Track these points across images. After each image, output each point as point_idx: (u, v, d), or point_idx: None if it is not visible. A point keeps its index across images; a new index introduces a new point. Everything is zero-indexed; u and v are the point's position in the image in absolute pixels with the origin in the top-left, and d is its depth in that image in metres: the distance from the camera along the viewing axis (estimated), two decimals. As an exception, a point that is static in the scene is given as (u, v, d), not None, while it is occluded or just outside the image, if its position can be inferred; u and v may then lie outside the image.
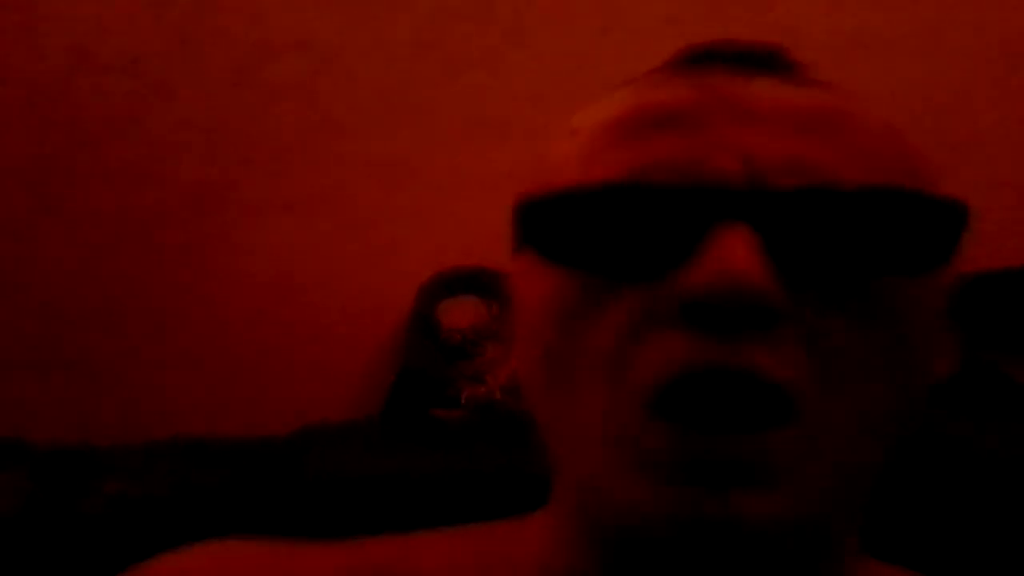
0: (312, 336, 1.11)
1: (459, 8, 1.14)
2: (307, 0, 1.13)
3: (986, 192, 1.07)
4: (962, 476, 0.66)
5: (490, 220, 1.20)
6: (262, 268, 1.13)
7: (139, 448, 0.86)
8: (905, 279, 0.37)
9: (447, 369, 0.96)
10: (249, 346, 1.12)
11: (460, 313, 1.03)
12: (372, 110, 1.14)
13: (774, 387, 0.34)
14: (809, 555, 0.38)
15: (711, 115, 0.39)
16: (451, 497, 0.75)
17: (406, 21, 1.14)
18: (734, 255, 0.34)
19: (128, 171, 1.13)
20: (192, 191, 1.13)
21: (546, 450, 0.42)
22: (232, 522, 0.76)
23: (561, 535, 0.43)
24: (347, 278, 1.13)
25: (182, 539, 0.77)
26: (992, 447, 0.69)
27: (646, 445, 0.35)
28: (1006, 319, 0.98)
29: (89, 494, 0.79)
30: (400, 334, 1.07)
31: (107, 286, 1.12)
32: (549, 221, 0.39)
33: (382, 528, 0.52)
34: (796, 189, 0.36)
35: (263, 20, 1.13)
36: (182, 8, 1.13)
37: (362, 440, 0.85)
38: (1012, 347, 0.95)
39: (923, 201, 0.37)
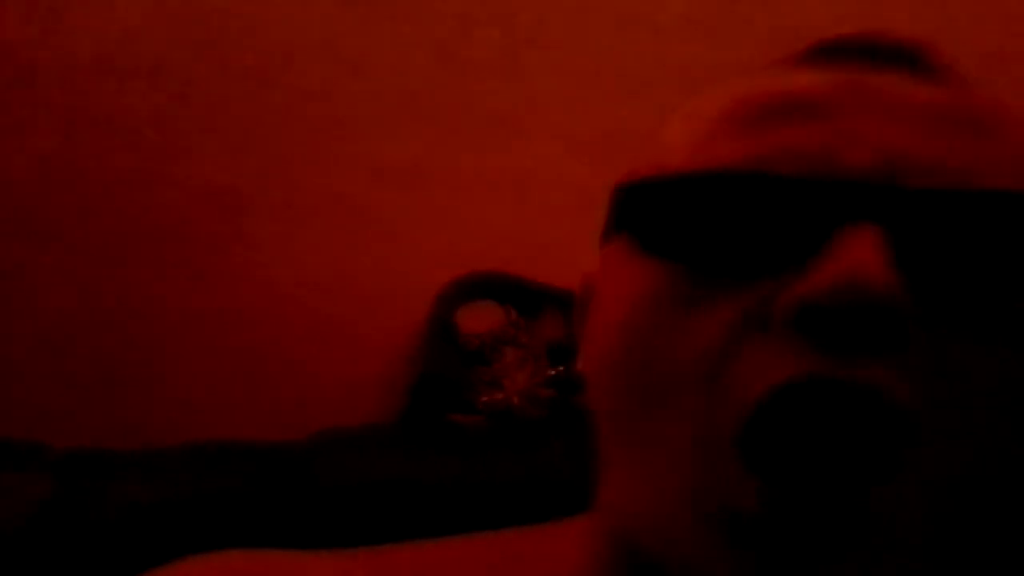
0: (330, 341, 1.11)
1: (480, 13, 1.13)
2: (329, 4, 1.13)
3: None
4: None
5: (509, 224, 1.21)
6: (280, 273, 1.13)
7: (155, 453, 0.86)
8: None
9: (465, 374, 0.96)
10: (266, 351, 1.11)
11: (478, 318, 1.03)
12: (392, 114, 1.14)
13: (902, 413, 0.30)
14: None
15: (845, 105, 0.35)
16: (467, 504, 0.74)
17: (427, 25, 1.13)
18: (866, 258, 0.30)
19: (147, 176, 1.13)
20: (211, 196, 1.13)
21: (598, 463, 0.38)
22: (248, 528, 0.76)
23: (597, 563, 0.39)
24: (365, 283, 1.12)
25: (198, 545, 0.76)
26: None
27: (731, 500, 0.30)
28: None
29: (106, 498, 0.79)
30: (418, 339, 1.07)
31: (124, 291, 1.12)
32: (652, 206, 0.36)
33: (398, 535, 0.51)
34: (937, 190, 0.32)
35: (284, 24, 1.13)
36: (204, 13, 1.13)
37: (379, 446, 0.84)
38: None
39: None
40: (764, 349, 0.31)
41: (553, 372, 0.95)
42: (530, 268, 1.07)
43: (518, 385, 0.93)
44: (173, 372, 1.11)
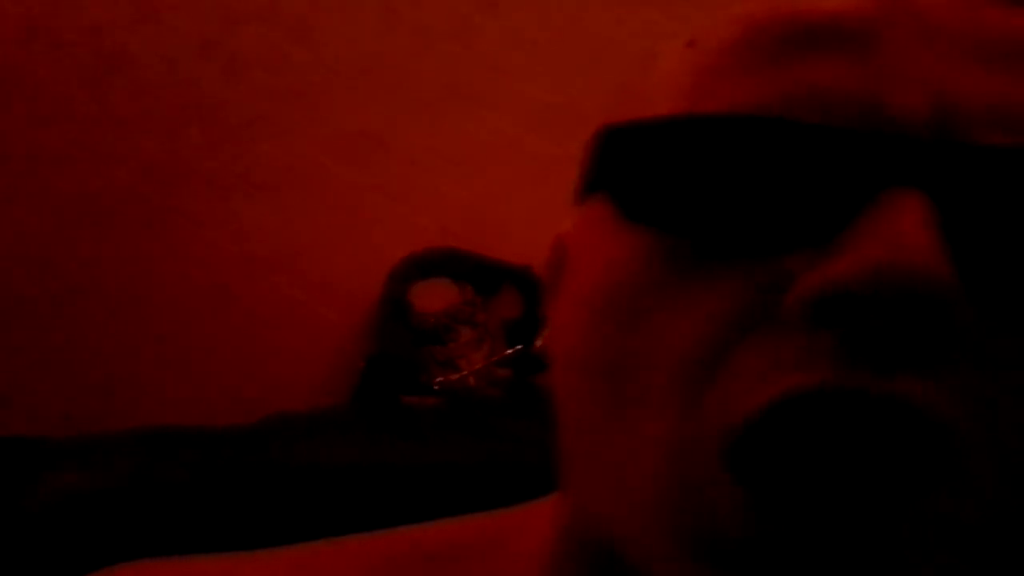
0: (279, 319, 1.09)
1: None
2: (273, -33, 1.10)
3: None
4: None
5: (464, 199, 1.19)
6: (227, 248, 1.10)
7: (95, 439, 0.83)
8: None
9: (419, 354, 0.94)
10: (213, 330, 1.09)
11: (433, 296, 1.01)
12: (342, 82, 1.11)
13: (938, 427, 0.23)
14: None
15: (890, 34, 0.27)
16: (423, 488, 0.73)
17: (375, -11, 1.11)
18: (915, 236, 0.23)
19: (87, 149, 1.09)
20: (154, 168, 1.10)
21: (561, 450, 0.32)
22: (193, 519, 0.74)
23: (556, 558, 0.34)
24: (315, 259, 1.10)
25: (140, 537, 0.74)
26: None
27: (716, 521, 0.24)
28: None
29: (40, 488, 0.77)
30: (371, 318, 1.05)
31: (63, 269, 1.09)
32: (639, 160, 0.28)
33: (352, 522, 0.49)
34: (1006, 147, 0.25)
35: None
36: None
37: (331, 429, 0.82)
38: None
39: None
40: (769, 346, 0.24)
41: (510, 351, 0.93)
42: (486, 244, 1.06)
43: (474, 365, 0.92)
44: (114, 354, 1.08)
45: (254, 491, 0.75)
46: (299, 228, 1.10)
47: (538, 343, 0.40)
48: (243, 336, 1.09)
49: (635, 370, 0.27)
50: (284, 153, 1.10)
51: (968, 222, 0.24)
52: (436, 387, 0.89)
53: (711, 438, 0.24)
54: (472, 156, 1.11)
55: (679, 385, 0.26)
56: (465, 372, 0.92)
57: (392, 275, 1.02)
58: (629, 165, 0.29)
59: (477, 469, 0.73)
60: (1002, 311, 0.25)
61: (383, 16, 1.10)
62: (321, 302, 1.09)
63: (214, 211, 1.10)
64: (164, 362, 1.08)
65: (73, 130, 1.09)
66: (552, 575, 0.34)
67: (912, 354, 0.23)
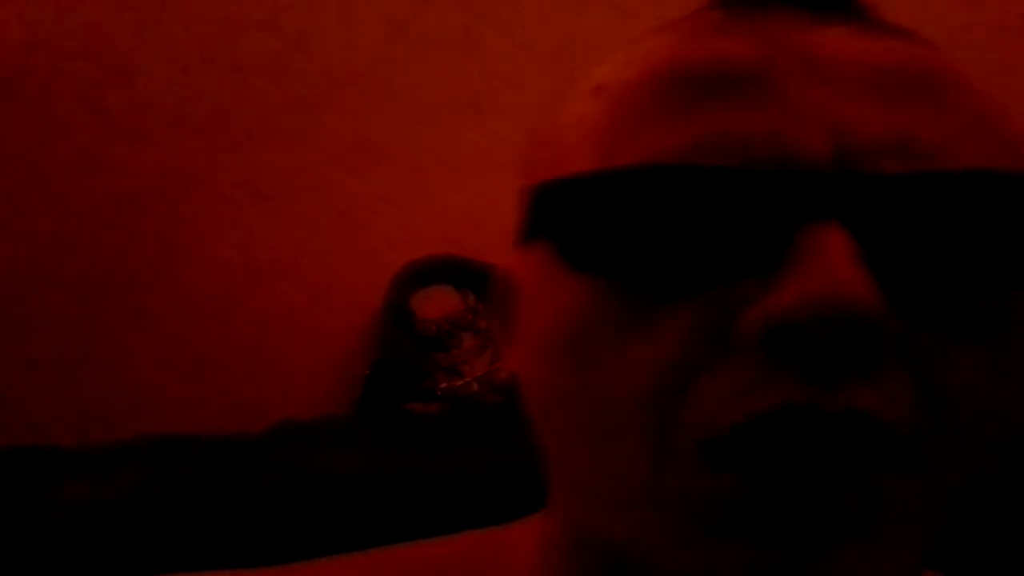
0: (283, 327, 1.09)
1: (433, -15, 1.11)
2: (273, -24, 1.10)
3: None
4: None
5: (466, 206, 1.19)
6: (230, 256, 1.10)
7: (103, 448, 0.83)
8: None
9: (422, 361, 0.94)
10: (217, 338, 1.09)
11: (435, 303, 1.01)
12: (343, 91, 1.11)
13: (886, 428, 0.27)
14: None
15: (784, 75, 0.30)
16: (427, 497, 0.73)
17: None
18: (842, 267, 0.26)
19: (89, 159, 1.09)
20: (156, 178, 1.09)
21: (545, 463, 0.34)
22: (202, 526, 0.74)
23: (551, 568, 0.36)
24: (319, 266, 1.10)
25: (148, 545, 0.74)
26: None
27: (705, 496, 0.27)
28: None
29: (49, 498, 0.77)
30: (374, 325, 1.05)
31: (68, 279, 1.09)
32: (572, 213, 0.30)
33: (356, 530, 0.49)
34: (905, 175, 0.28)
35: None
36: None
37: (336, 437, 0.83)
38: None
39: None
40: (729, 373, 0.27)
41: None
42: (488, 251, 1.06)
43: (477, 371, 0.92)
44: (120, 363, 1.08)
45: (260, 499, 0.75)
46: (302, 236, 1.10)
47: (503, 371, 0.41)
48: (247, 343, 1.09)
49: (602, 404, 0.29)
50: (286, 162, 1.10)
51: (881, 242, 0.27)
52: (440, 394, 0.90)
53: (689, 447, 0.28)
54: (474, 164, 1.11)
55: (648, 410, 0.28)
56: (468, 378, 0.92)
57: (394, 282, 1.03)
58: (564, 218, 0.30)
59: (482, 478, 0.73)
60: (931, 322, 0.28)
61: (385, 25, 1.10)
62: (325, 309, 1.09)
63: (218, 220, 1.10)
64: (169, 369, 1.08)
65: (77, 140, 1.09)
66: None
67: (853, 368, 0.27)
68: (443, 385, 0.91)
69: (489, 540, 0.42)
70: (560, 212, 0.31)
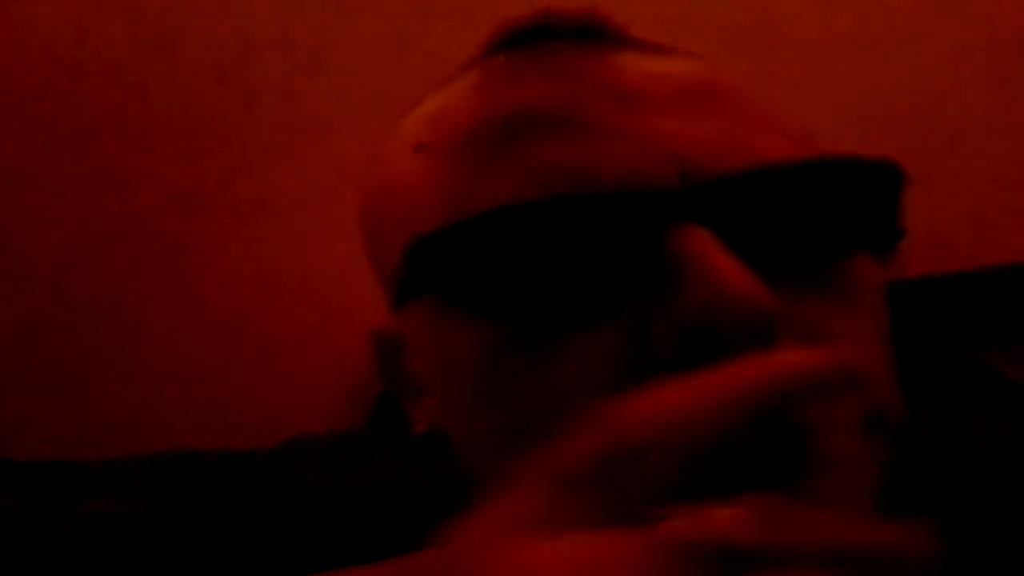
0: (296, 344, 1.10)
1: (440, 6, 1.12)
2: (285, -2, 1.12)
3: (977, 187, 1.06)
4: (952, 474, 0.65)
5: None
6: (244, 273, 1.11)
7: (119, 463, 0.84)
8: (867, 252, 0.33)
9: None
10: (233, 355, 1.10)
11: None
12: (355, 110, 1.12)
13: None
14: None
15: (596, 108, 0.32)
16: (438, 510, 0.73)
17: (388, 19, 1.12)
18: (719, 264, 0.28)
19: (107, 177, 1.10)
20: (172, 196, 1.11)
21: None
22: (217, 539, 0.75)
23: None
24: (331, 283, 1.11)
25: (165, 558, 0.75)
26: (982, 445, 0.68)
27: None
28: (997, 316, 0.97)
29: (68, 512, 0.78)
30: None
31: (85, 296, 1.10)
32: (450, 264, 0.31)
33: (368, 543, 0.50)
34: (741, 173, 0.30)
35: (242, 19, 1.11)
36: (159, 9, 1.10)
37: (349, 453, 0.84)
38: (1003, 345, 0.94)
39: (867, 167, 0.32)
40: (654, 377, 0.28)
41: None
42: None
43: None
44: (136, 379, 1.09)
45: (273, 514, 0.76)
46: (315, 253, 1.11)
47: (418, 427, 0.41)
48: (261, 359, 1.09)
49: (535, 421, 0.30)
50: (300, 180, 1.11)
51: (739, 234, 0.30)
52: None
53: None
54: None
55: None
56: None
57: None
58: (442, 271, 0.31)
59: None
60: (796, 291, 0.30)
61: (394, 45, 1.11)
62: (337, 326, 1.09)
63: (231, 237, 1.11)
64: (183, 385, 1.09)
65: (94, 157, 1.10)
66: None
67: (751, 342, 0.28)
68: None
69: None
70: (437, 266, 0.32)
